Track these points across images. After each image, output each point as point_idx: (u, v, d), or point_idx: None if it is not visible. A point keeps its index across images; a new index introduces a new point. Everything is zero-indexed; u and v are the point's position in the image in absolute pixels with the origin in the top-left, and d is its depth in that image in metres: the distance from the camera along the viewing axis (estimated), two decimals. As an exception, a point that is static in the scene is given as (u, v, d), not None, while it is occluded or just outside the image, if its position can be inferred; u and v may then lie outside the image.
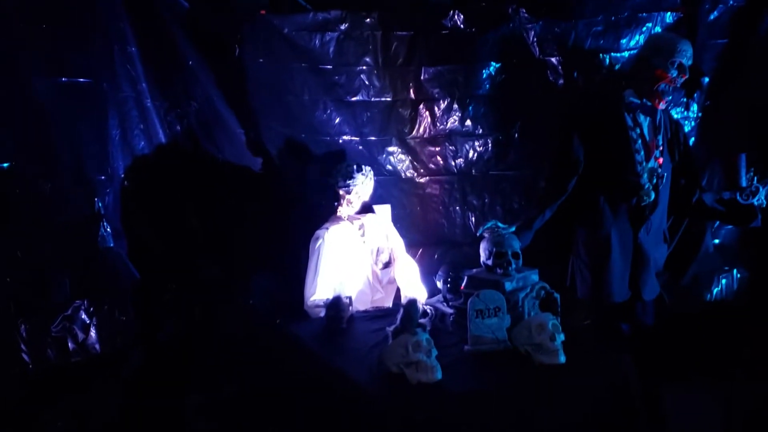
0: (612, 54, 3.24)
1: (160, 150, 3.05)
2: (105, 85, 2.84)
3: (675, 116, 3.07)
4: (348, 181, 2.87)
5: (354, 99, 3.29)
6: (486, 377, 2.03)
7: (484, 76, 3.28)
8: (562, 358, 2.04)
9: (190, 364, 2.95)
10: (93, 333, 2.72)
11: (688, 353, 3.06)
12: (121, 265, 2.84)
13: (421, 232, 3.41)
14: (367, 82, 3.29)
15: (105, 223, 2.80)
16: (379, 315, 2.65)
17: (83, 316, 2.70)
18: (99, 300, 2.74)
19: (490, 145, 3.36)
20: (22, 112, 2.65)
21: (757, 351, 3.02)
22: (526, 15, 3.22)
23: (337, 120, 3.30)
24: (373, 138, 3.35)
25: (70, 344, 2.66)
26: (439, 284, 2.70)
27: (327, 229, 2.87)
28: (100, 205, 2.79)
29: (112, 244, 2.82)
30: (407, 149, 3.38)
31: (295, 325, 2.64)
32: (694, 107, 3.29)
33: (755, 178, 2.62)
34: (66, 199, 2.72)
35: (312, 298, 2.76)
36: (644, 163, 2.65)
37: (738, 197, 2.62)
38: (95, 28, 2.82)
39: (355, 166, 2.92)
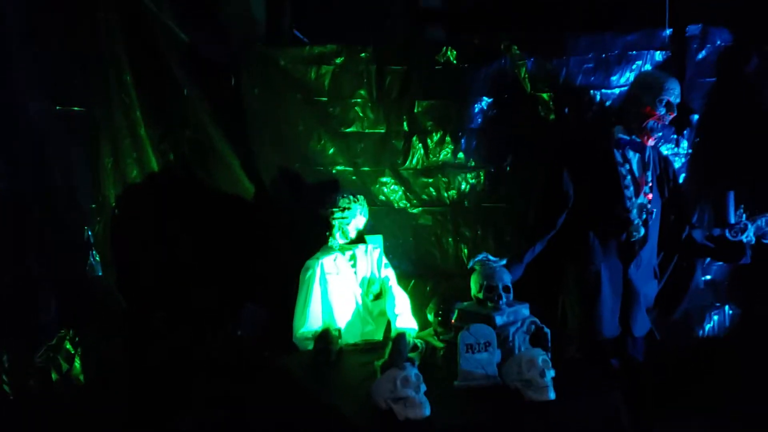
0: (602, 91, 3.29)
1: (153, 178, 3.05)
2: (98, 114, 2.86)
3: (665, 153, 3.11)
4: (342, 212, 2.87)
5: (348, 130, 3.32)
6: (475, 413, 2.00)
7: (477, 110, 3.32)
8: (552, 395, 2.02)
9: (176, 394, 2.90)
10: (77, 364, 2.68)
11: (679, 390, 3.04)
12: (108, 295, 2.81)
13: (413, 264, 3.40)
14: (361, 114, 3.32)
15: (94, 252, 2.78)
16: (368, 348, 2.62)
17: (68, 346, 2.67)
18: (84, 330, 2.71)
19: (482, 177, 3.38)
20: (15, 138, 2.65)
21: (748, 387, 3.00)
22: (517, 52, 3.28)
23: (331, 150, 3.32)
24: (366, 169, 3.36)
25: (53, 375, 2.62)
26: (431, 317, 2.68)
27: (318, 259, 2.86)
28: (90, 233, 2.78)
29: (100, 273, 2.80)
30: (400, 180, 3.39)
31: (284, 357, 2.61)
32: (684, 144, 3.33)
33: (744, 215, 2.64)
34: (56, 226, 2.71)
35: (301, 330, 2.73)
36: (634, 199, 2.67)
37: (727, 234, 2.64)
38: (91, 56, 2.86)
39: (350, 197, 2.93)
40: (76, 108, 2.79)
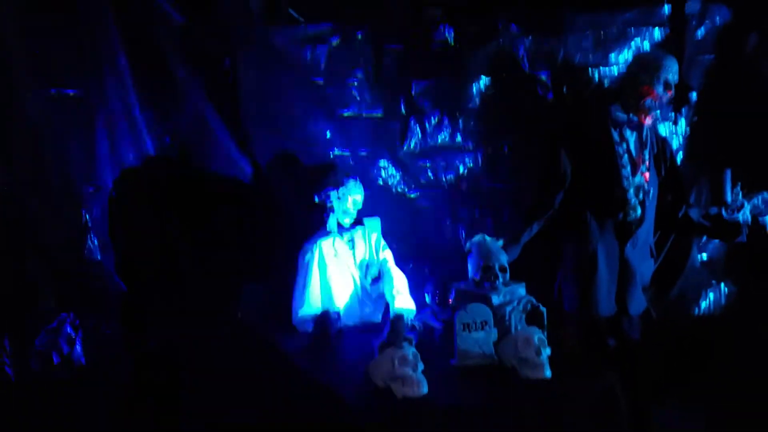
0: (601, 69, 3.27)
1: (149, 162, 3.04)
2: (94, 97, 2.85)
3: (664, 132, 3.09)
4: (336, 188, 2.87)
5: (345, 112, 3.30)
6: (472, 391, 2.03)
7: (474, 90, 3.30)
8: (548, 373, 2.05)
9: (175, 377, 2.93)
10: (78, 346, 2.70)
11: (675, 368, 3.07)
12: (107, 279, 2.83)
13: (411, 246, 3.39)
14: (358, 96, 3.30)
15: (92, 236, 2.79)
16: (367, 329, 2.64)
17: (68, 329, 2.69)
18: (85, 313, 2.73)
19: (480, 158, 3.37)
20: (10, 122, 2.65)
21: (744, 365, 3.03)
22: (516, 30, 3.25)
23: (328, 133, 3.31)
24: (363, 151, 3.35)
25: (54, 357, 2.65)
26: (428, 298, 2.70)
27: (316, 242, 2.86)
28: (87, 217, 2.79)
29: (99, 257, 2.81)
30: (398, 162, 3.38)
31: (283, 339, 2.63)
32: (682, 122, 3.32)
33: (740, 193, 2.65)
34: (54, 210, 2.72)
35: (300, 312, 2.75)
36: (630, 178, 2.67)
37: (723, 212, 2.65)
38: (85, 40, 2.84)
39: (345, 178, 2.92)
40: (71, 91, 2.78)
